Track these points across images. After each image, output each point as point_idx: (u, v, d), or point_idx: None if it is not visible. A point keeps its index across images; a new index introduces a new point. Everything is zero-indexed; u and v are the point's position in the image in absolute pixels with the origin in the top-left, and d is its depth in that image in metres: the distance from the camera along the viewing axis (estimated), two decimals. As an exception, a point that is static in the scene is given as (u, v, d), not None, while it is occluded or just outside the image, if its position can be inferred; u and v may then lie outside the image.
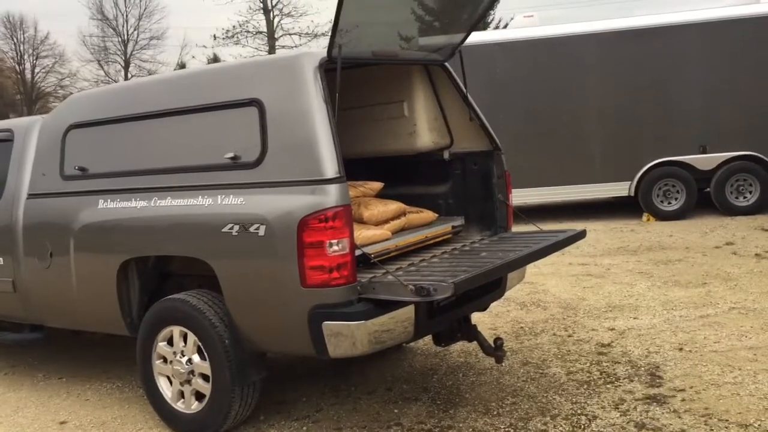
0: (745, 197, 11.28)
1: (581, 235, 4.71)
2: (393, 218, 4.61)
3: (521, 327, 6.14)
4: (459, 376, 5.07)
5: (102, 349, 6.07)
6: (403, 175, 5.20)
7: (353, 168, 4.33)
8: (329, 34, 3.90)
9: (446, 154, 5.13)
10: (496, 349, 4.44)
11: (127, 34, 40.78)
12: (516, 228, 5.14)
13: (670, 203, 11.50)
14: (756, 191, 11.21)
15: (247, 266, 3.92)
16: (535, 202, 11.86)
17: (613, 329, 5.92)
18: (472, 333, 4.60)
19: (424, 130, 5.00)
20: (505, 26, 23.02)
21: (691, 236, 9.95)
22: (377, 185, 4.84)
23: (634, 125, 11.39)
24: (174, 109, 4.34)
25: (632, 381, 4.77)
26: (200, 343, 4.15)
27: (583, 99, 11.61)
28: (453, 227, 4.93)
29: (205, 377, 4.19)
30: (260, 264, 3.85)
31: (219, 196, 4.02)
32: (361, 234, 4.17)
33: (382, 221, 4.52)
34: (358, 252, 3.82)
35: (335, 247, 3.66)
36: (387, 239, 4.37)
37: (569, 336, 5.82)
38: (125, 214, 4.44)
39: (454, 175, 5.14)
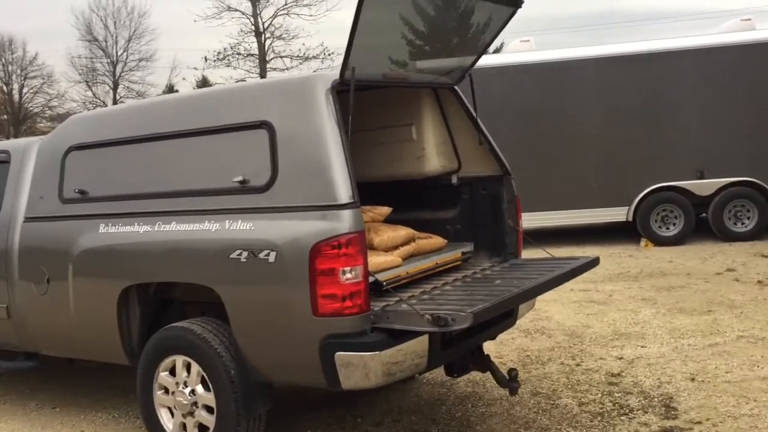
0: (743, 223, 11.24)
1: (595, 262, 4.62)
2: (403, 244, 4.49)
3: (527, 355, 6.01)
4: (468, 406, 4.93)
5: (98, 377, 5.88)
6: (409, 199, 5.10)
7: (359, 192, 4.22)
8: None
9: (454, 179, 5.04)
10: (510, 380, 4.31)
11: (116, 56, 40.60)
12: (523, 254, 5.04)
13: (668, 228, 11.45)
14: (754, 217, 11.18)
15: (256, 294, 3.78)
16: (531, 227, 11.76)
17: (621, 358, 5.80)
18: (485, 363, 4.47)
19: (432, 154, 4.91)
20: (496, 51, 23.05)
21: (691, 262, 9.88)
22: (386, 210, 4.73)
23: (632, 150, 11.36)
24: (180, 131, 4.21)
25: (646, 413, 4.64)
26: (204, 374, 3.99)
27: (581, 124, 11.58)
28: (463, 253, 4.82)
29: (209, 409, 4.02)
30: (270, 291, 3.72)
31: (227, 221, 3.89)
32: (372, 260, 4.04)
33: (391, 247, 4.40)
34: (370, 279, 3.70)
35: (348, 275, 3.54)
36: (398, 266, 4.25)
37: (577, 365, 5.70)
38: (127, 239, 4.30)
39: (462, 200, 5.05)
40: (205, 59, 34.81)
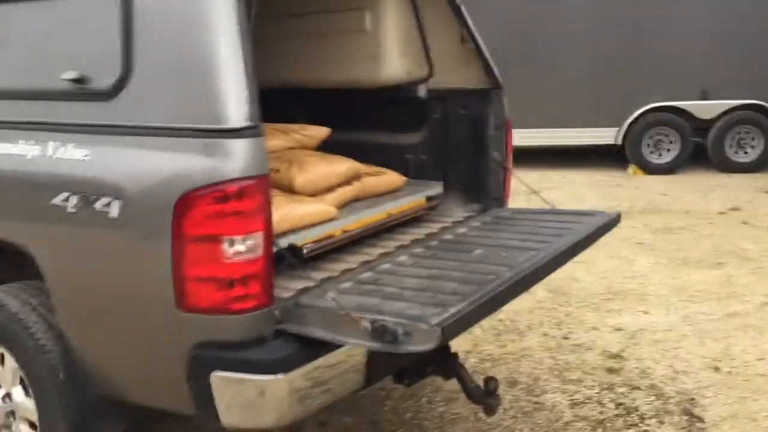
0: (745, 152, 9.95)
1: (615, 221, 3.28)
2: (341, 184, 3.08)
3: (500, 320, 4.73)
4: (422, 402, 3.67)
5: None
6: (356, 116, 3.70)
7: (282, 103, 2.82)
8: None
9: (423, 90, 3.66)
10: (486, 395, 2.94)
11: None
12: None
13: (660, 155, 10.13)
14: (759, 146, 9.89)
15: (88, 264, 2.36)
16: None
17: (620, 329, 4.59)
18: (450, 367, 3.08)
19: (392, 54, 3.51)
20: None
21: (688, 196, 8.62)
22: (321, 132, 3.32)
23: (626, 63, 9.84)
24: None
25: (663, 422, 3.46)
26: (22, 372, 2.61)
27: (568, 31, 9.94)
28: (428, 198, 3.43)
29: (31, 425, 2.66)
30: (110, 263, 2.30)
31: (50, 144, 2.42)
32: (290, 212, 2.66)
33: (323, 189, 2.99)
34: (282, 244, 2.33)
35: (239, 246, 2.13)
36: (330, 219, 2.85)
37: (565, 338, 4.47)
38: None
39: (431, 121, 3.65)
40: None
